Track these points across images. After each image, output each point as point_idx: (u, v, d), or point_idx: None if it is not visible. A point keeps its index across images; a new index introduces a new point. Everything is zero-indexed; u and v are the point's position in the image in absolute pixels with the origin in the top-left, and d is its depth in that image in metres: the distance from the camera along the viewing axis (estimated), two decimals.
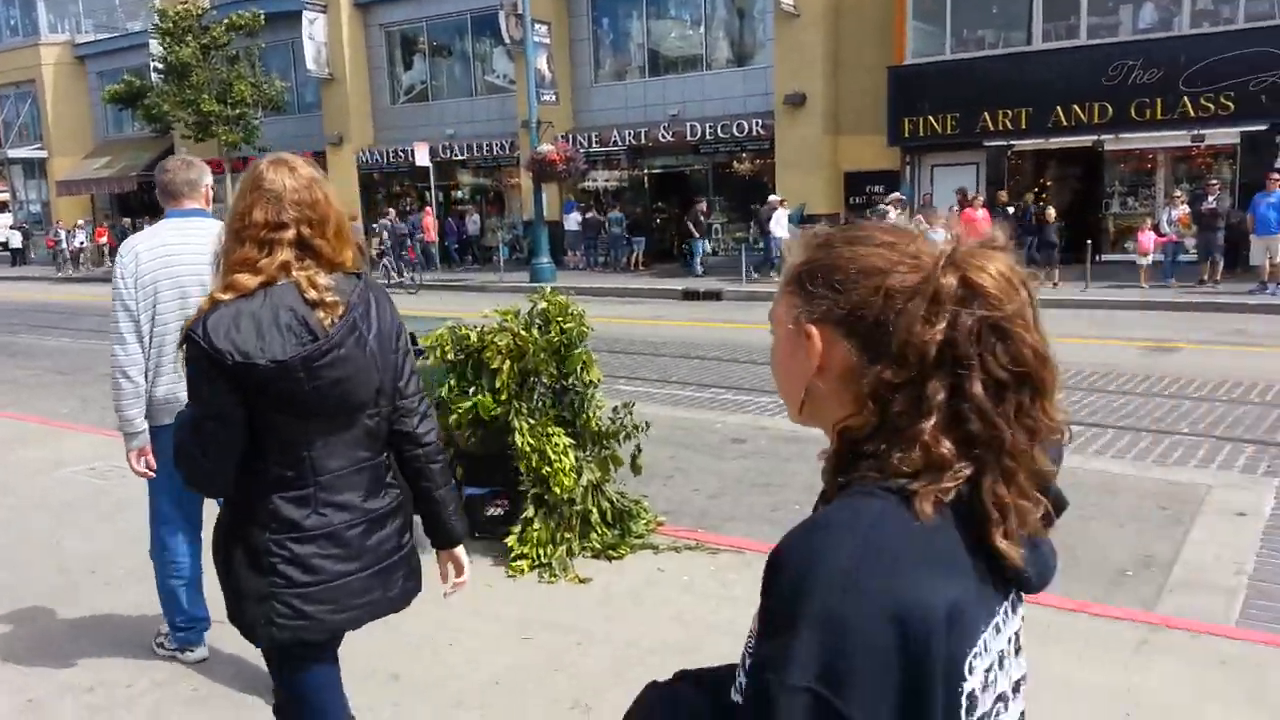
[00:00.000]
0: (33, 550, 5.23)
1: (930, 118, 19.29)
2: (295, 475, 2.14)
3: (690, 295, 18.62)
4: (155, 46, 27.27)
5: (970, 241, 1.02)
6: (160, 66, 27.15)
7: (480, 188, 28.96)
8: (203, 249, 2.93)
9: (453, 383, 4.96)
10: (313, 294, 2.09)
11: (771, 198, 19.61)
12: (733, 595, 4.39)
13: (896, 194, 18.49)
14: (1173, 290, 15.68)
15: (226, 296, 2.07)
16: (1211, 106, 16.86)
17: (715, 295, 18.35)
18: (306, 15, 27.59)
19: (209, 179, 3.59)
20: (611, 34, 25.26)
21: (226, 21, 26.57)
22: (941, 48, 19.74)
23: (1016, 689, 1.07)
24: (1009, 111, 18.54)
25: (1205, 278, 15.97)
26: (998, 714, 1.03)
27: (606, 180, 25.96)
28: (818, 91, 20.88)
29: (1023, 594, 1.08)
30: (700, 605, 4.30)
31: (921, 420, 0.96)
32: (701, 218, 21.83)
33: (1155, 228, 16.78)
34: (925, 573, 0.93)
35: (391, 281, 21.92)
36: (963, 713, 0.95)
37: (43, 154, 37.34)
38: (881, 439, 0.99)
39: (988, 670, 0.99)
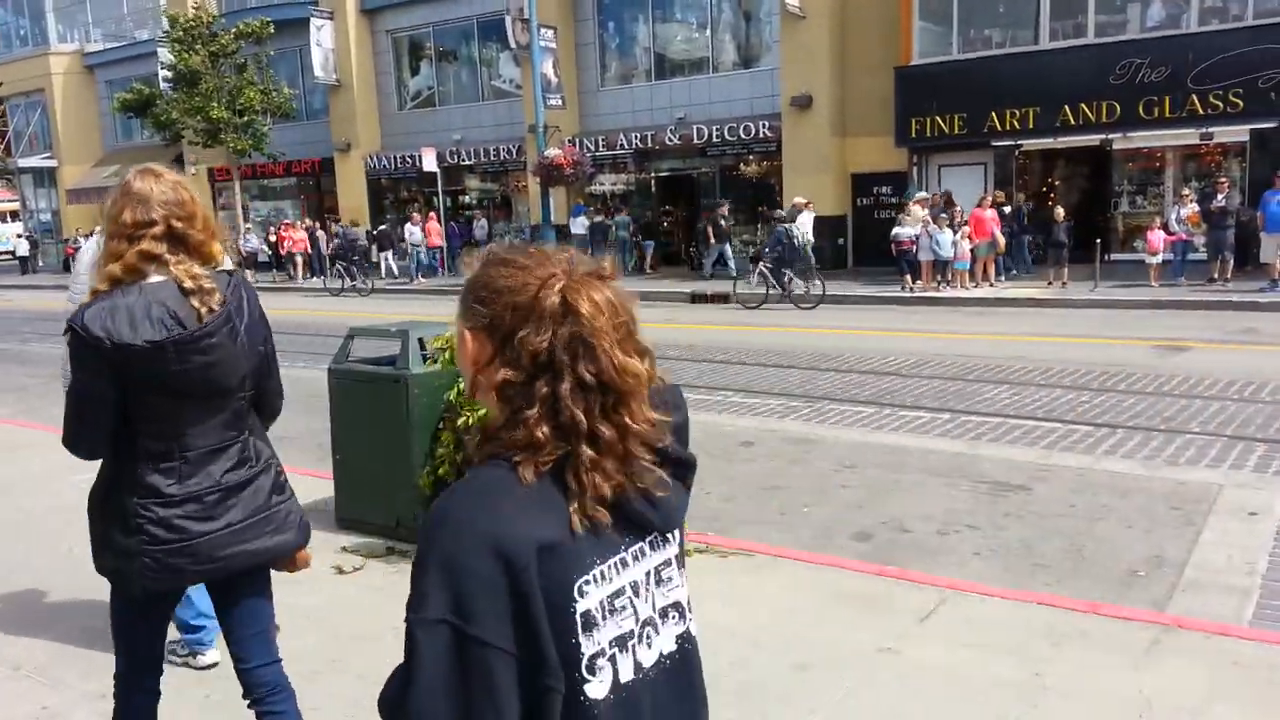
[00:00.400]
0: (44, 557, 5.25)
1: (938, 118, 19.25)
2: (164, 450, 2.40)
3: (698, 298, 18.62)
4: (165, 54, 27.42)
5: (582, 270, 1.25)
6: (169, 75, 27.30)
7: (487, 192, 29.02)
8: None
9: (462, 385, 4.98)
10: (189, 283, 2.34)
11: (797, 199, 19.43)
12: (742, 598, 4.39)
13: (923, 194, 18.48)
14: (1182, 289, 15.61)
15: (103, 287, 2.33)
16: (1220, 104, 16.79)
17: (723, 298, 18.35)
18: (314, 22, 27.72)
19: None
20: (617, 38, 25.29)
21: (235, 30, 26.69)
22: (948, 48, 19.70)
23: (665, 615, 1.31)
24: (1017, 111, 18.49)
25: (1215, 276, 15.90)
26: (647, 636, 1.28)
27: (613, 184, 25.98)
28: (824, 93, 20.86)
29: (668, 535, 1.33)
30: (710, 608, 4.29)
31: (528, 411, 1.20)
32: (723, 221, 21.27)
33: (1164, 226, 16.69)
34: (521, 519, 1.16)
35: (345, 286, 22.73)
36: (579, 628, 1.19)
37: (52, 163, 37.54)
38: (505, 424, 1.23)
39: (614, 596, 1.23)
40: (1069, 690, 3.47)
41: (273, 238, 27.68)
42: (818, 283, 16.32)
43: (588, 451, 1.19)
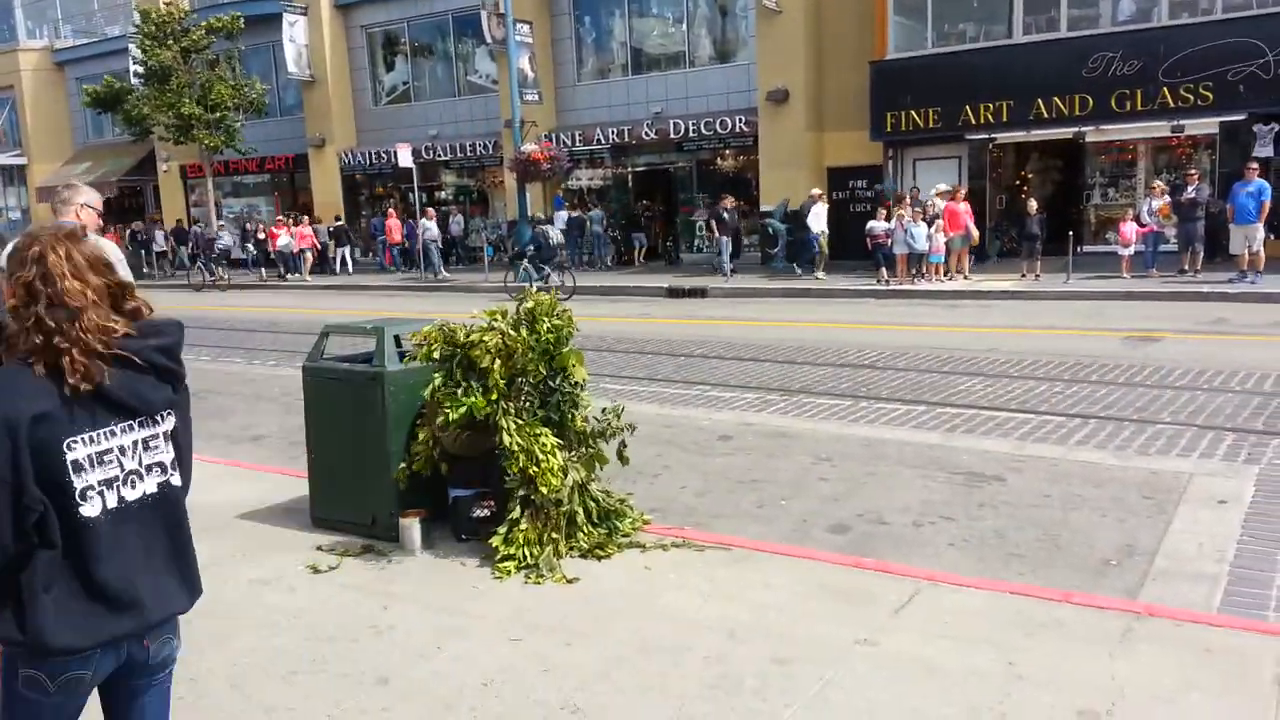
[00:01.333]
0: None
1: (913, 112, 19.32)
2: None
3: (675, 293, 18.64)
4: (135, 50, 27.06)
5: (61, 233, 2.03)
6: (140, 71, 26.95)
7: (464, 188, 28.89)
8: None
9: (438, 382, 4.94)
10: None
11: (814, 190, 19.39)
12: (720, 592, 4.40)
13: (943, 185, 18.52)
14: (1154, 280, 15.77)
15: None
16: (1190, 97, 16.95)
17: (700, 292, 18.38)
18: (287, 18, 27.46)
19: (84, 198, 4.52)
20: (594, 32, 25.23)
21: (205, 24, 26.40)
22: (923, 42, 19.79)
23: (150, 470, 2.09)
24: (990, 105, 18.60)
25: (1185, 267, 16.07)
26: (132, 481, 2.05)
27: (590, 179, 25.94)
28: (800, 87, 20.90)
29: (155, 418, 2.09)
30: (688, 603, 4.32)
31: (28, 325, 1.95)
32: (726, 215, 20.35)
33: (1136, 218, 16.86)
34: (23, 398, 1.90)
35: (206, 280, 25.49)
36: (70, 471, 1.95)
37: (22, 160, 37.04)
38: (21, 336, 1.96)
39: (102, 453, 1.99)
40: (1043, 679, 3.51)
41: (261, 235, 27.19)
42: (571, 277, 19.01)
43: (63, 345, 1.93)
